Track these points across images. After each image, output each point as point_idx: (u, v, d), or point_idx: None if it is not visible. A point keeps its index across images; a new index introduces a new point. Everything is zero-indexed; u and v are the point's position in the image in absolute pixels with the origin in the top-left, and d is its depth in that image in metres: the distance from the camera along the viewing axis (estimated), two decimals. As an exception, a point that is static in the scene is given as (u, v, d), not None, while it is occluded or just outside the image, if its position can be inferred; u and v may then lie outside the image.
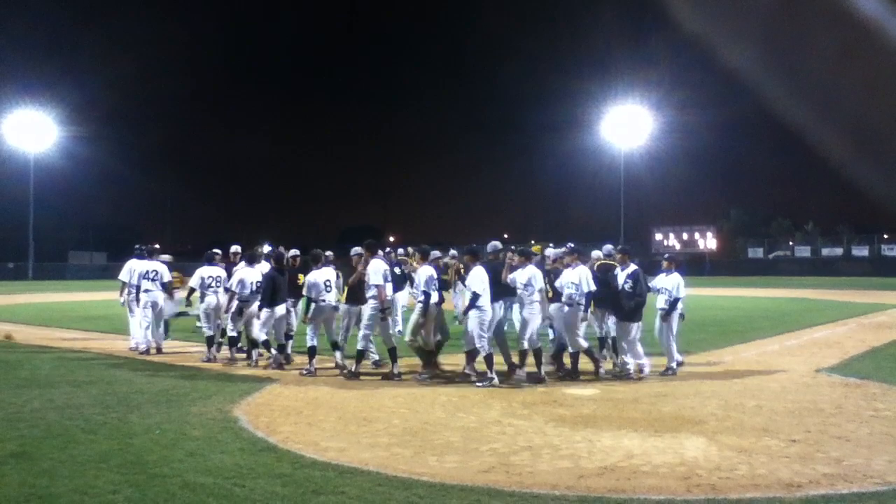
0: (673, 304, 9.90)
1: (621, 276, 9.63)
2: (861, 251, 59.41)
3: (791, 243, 68.61)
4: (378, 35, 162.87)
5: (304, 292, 10.24)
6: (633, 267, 9.68)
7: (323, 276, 10.23)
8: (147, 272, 12.08)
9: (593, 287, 9.25)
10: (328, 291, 10.18)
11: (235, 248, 12.23)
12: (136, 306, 12.22)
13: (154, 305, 12.03)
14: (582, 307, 9.22)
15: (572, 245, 10.01)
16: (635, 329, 9.49)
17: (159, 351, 11.93)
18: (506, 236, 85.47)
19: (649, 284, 10.09)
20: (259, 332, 10.65)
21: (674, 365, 9.82)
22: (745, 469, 5.41)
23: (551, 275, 9.70)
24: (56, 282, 50.66)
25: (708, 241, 70.34)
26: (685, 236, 70.84)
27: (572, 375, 9.44)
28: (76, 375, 9.63)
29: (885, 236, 60.16)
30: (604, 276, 9.81)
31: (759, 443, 6.18)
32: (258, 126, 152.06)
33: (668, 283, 10.03)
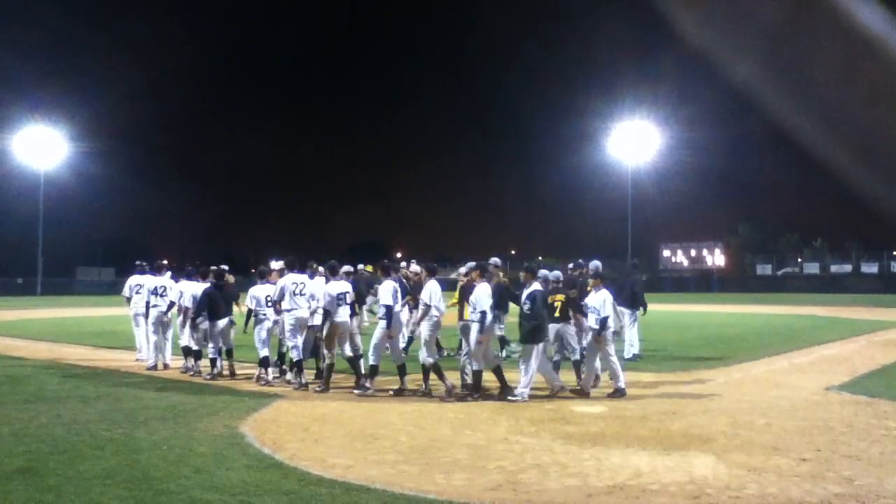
0: (602, 322, 9.44)
1: (522, 296, 9.43)
2: (870, 267, 59.16)
3: (800, 259, 68.44)
4: (378, 36, 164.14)
5: (247, 304, 10.79)
6: (534, 287, 9.36)
7: (264, 292, 10.70)
8: (155, 288, 12.29)
9: (486, 306, 9.11)
10: (269, 306, 10.61)
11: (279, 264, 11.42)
12: (142, 320, 12.54)
13: (162, 321, 12.20)
14: (478, 325, 9.03)
15: (472, 263, 9.96)
16: (535, 352, 9.14)
17: (166, 367, 12.00)
18: (513, 252, 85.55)
19: (581, 303, 9.96)
20: (201, 344, 11.25)
21: (621, 385, 9.32)
22: (754, 488, 5.36)
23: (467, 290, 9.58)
24: (64, 297, 50.88)
25: (716, 258, 70.24)
26: (693, 252, 70.81)
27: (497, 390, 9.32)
28: (83, 391, 9.65)
29: (895, 252, 59.89)
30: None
31: (768, 461, 6.12)
32: (260, 130, 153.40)
33: (595, 301, 9.60)
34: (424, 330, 9.51)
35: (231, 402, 8.87)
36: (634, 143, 57.46)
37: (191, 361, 11.46)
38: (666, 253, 72.26)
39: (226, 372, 11.16)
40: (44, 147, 57.27)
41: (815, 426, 7.54)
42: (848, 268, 60.90)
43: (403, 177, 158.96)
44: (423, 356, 9.36)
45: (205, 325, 11.12)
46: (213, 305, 10.97)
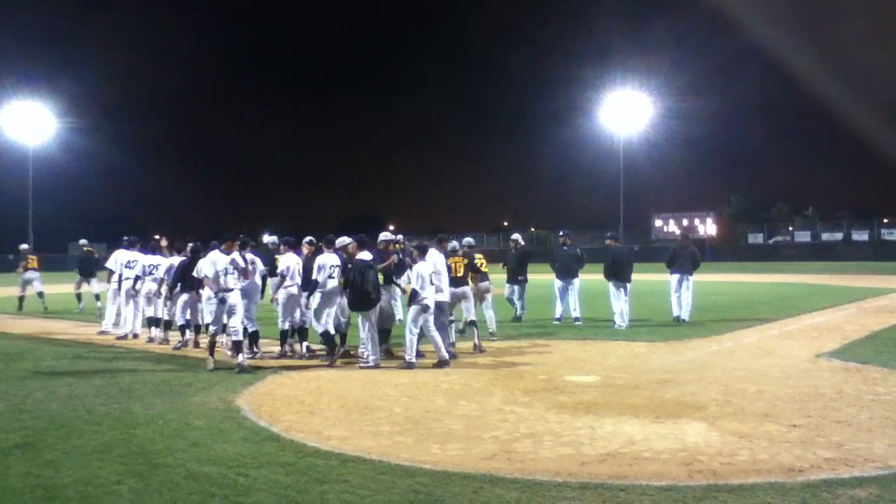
0: (412, 295, 9.68)
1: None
2: (861, 235, 59.34)
3: (791, 228, 68.51)
4: (376, 11, 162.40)
5: (194, 274, 10.93)
6: (359, 255, 9.85)
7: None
8: (128, 262, 12.96)
9: (317, 276, 10.00)
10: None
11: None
12: (124, 294, 13.18)
13: (134, 293, 12.92)
14: (304, 295, 10.27)
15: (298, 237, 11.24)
16: (360, 319, 9.68)
17: (136, 336, 12.66)
18: (505, 224, 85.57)
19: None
20: (180, 315, 11.63)
21: (410, 359, 9.50)
22: (746, 454, 5.43)
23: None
24: (56, 273, 50.65)
25: (708, 227, 70.24)
26: (685, 222, 70.70)
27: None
28: (78, 366, 9.67)
29: (885, 220, 60.12)
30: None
31: (760, 428, 6.20)
32: (258, 115, 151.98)
33: (413, 273, 9.85)
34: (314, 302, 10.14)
35: (227, 376, 8.89)
36: (626, 113, 57.11)
37: (189, 334, 11.67)
38: (658, 223, 72.16)
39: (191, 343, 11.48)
40: (32, 122, 56.56)
41: (805, 393, 7.62)
42: (839, 236, 61.04)
43: (402, 164, 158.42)
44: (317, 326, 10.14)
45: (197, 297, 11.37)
46: (186, 278, 11.27)
